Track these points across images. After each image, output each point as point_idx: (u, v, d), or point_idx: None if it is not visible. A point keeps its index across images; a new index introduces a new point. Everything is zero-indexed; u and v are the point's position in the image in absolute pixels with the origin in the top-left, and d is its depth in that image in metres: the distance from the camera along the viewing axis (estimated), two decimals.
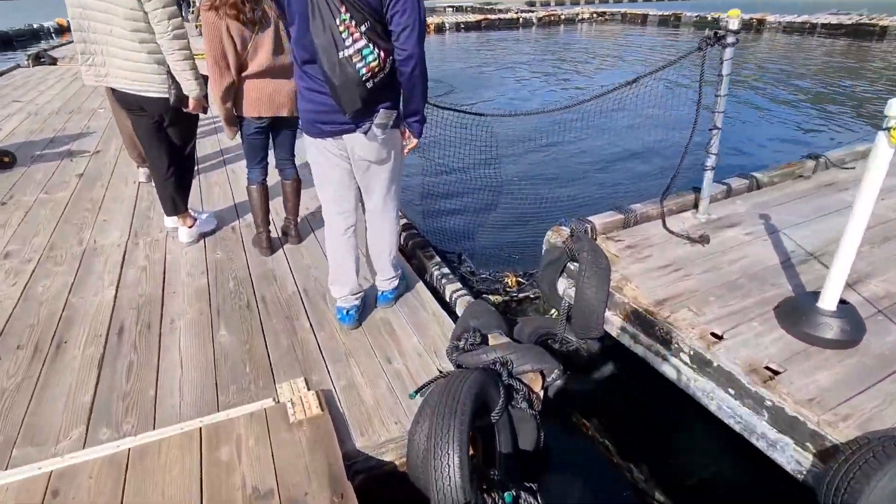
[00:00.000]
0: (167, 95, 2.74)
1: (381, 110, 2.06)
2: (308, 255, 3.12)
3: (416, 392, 2.02)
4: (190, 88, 2.71)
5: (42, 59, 10.63)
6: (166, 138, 2.97)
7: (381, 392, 2.09)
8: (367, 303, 2.63)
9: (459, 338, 2.25)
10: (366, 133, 2.10)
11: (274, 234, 3.25)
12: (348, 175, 2.32)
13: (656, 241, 2.80)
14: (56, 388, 2.08)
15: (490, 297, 3.22)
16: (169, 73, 2.69)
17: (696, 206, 3.12)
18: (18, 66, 10.24)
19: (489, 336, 2.30)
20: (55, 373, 2.15)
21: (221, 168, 4.52)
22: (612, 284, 2.44)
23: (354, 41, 1.83)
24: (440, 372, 2.20)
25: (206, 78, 2.76)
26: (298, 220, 3.25)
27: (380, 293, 2.61)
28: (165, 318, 2.51)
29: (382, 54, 1.88)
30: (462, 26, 21.47)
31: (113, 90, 2.79)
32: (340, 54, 1.83)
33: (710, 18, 23.14)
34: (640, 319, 2.28)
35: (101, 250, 3.12)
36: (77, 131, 5.59)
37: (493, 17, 23.04)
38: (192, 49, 2.68)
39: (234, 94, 2.68)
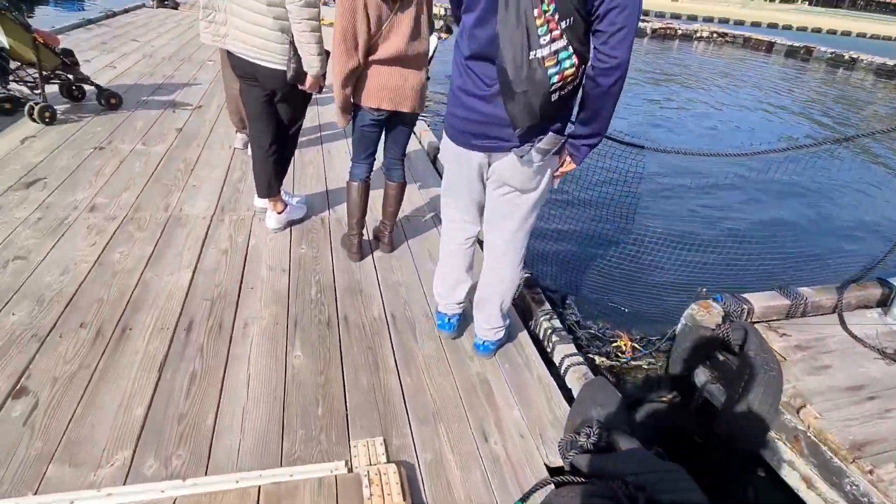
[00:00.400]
0: (285, 68, 2.43)
1: (550, 133, 1.65)
2: (399, 269, 2.76)
3: (522, 502, 1.59)
4: (312, 64, 2.38)
5: (165, 2, 10.97)
6: (274, 114, 2.67)
7: (474, 482, 1.67)
8: (462, 344, 2.24)
9: (578, 430, 1.79)
10: (522, 156, 1.70)
11: (365, 237, 2.91)
12: (480, 195, 1.96)
13: (835, 345, 2.21)
14: (111, 387, 1.81)
15: (596, 357, 2.73)
16: (291, 44, 2.37)
17: (882, 304, 2.48)
18: (144, 5, 10.59)
19: (613, 433, 1.83)
20: (113, 367, 1.90)
21: (318, 146, 4.25)
22: (782, 399, 1.89)
23: (553, 40, 1.44)
24: (548, 469, 1.76)
25: (327, 54, 2.44)
26: (395, 226, 2.89)
27: (480, 341, 2.20)
28: (238, 319, 2.22)
29: (577, 60, 1.48)
30: None
31: (229, 53, 2.52)
32: (532, 54, 1.44)
33: (846, 58, 20.93)
34: (822, 461, 1.73)
35: (185, 221, 2.90)
36: (184, 81, 5.54)
37: None
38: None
39: (355, 79, 2.33)
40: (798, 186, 4.44)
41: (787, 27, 32.64)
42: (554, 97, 1.54)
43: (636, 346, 2.77)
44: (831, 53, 21.23)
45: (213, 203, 3.13)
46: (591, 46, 1.52)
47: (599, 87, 1.51)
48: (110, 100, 4.33)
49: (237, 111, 3.79)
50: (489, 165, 1.84)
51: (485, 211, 2.02)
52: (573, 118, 1.75)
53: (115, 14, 8.85)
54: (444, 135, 1.94)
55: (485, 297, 2.13)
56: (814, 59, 21.50)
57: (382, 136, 2.59)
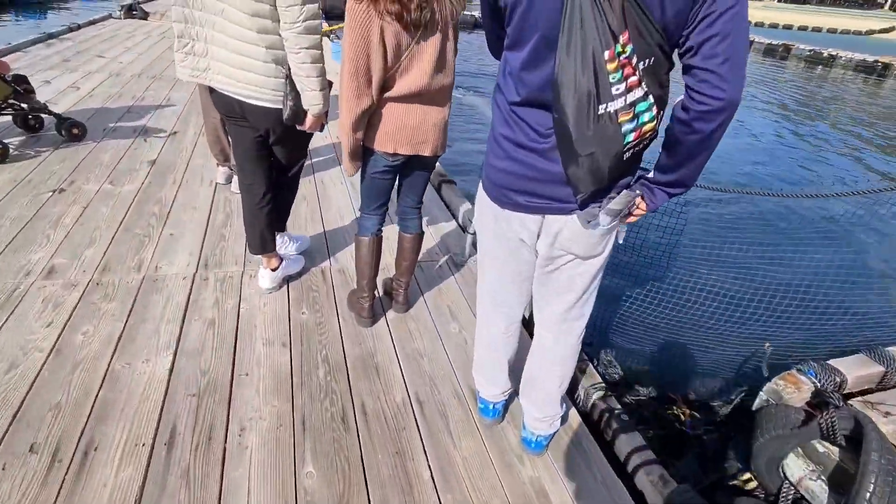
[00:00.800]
0: (279, 107, 2.02)
1: (623, 191, 1.29)
2: (418, 333, 2.36)
3: None
4: (313, 102, 1.97)
5: (134, 12, 10.37)
6: (268, 157, 2.26)
7: None
8: (506, 435, 1.87)
9: None
10: (588, 221, 1.35)
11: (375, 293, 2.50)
12: (530, 265, 1.57)
13: None
14: None
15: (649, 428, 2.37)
16: (288, 78, 1.95)
17: None
18: (111, 16, 10.00)
19: None
20: None
21: (310, 176, 3.82)
22: None
23: (629, 89, 1.10)
24: None
25: (330, 84, 2.04)
26: (410, 281, 2.48)
27: (532, 437, 1.82)
28: (233, 422, 1.79)
29: (657, 110, 1.15)
30: None
31: (211, 90, 2.09)
32: (602, 108, 1.10)
33: (825, 55, 21.13)
34: None
35: (162, 283, 2.45)
36: (156, 102, 5.05)
37: None
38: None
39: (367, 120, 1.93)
40: (863, 226, 3.94)
41: (760, 24, 33.01)
42: (627, 156, 1.18)
43: (695, 413, 2.42)
44: (810, 51, 21.45)
45: (194, 257, 2.68)
46: (684, 84, 1.16)
47: (695, 132, 1.13)
48: (72, 130, 3.83)
49: (218, 142, 3.35)
50: (539, 231, 1.46)
51: (534, 283, 1.65)
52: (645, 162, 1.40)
53: (78, 27, 8.27)
54: (479, 190, 1.57)
55: (536, 380, 1.76)
56: (792, 57, 21.71)
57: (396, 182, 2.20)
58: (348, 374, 2.08)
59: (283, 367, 2.06)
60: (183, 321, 2.23)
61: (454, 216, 3.51)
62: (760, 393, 2.04)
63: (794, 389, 1.92)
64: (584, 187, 1.24)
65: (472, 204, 3.49)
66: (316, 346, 2.20)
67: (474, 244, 3.01)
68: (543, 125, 1.27)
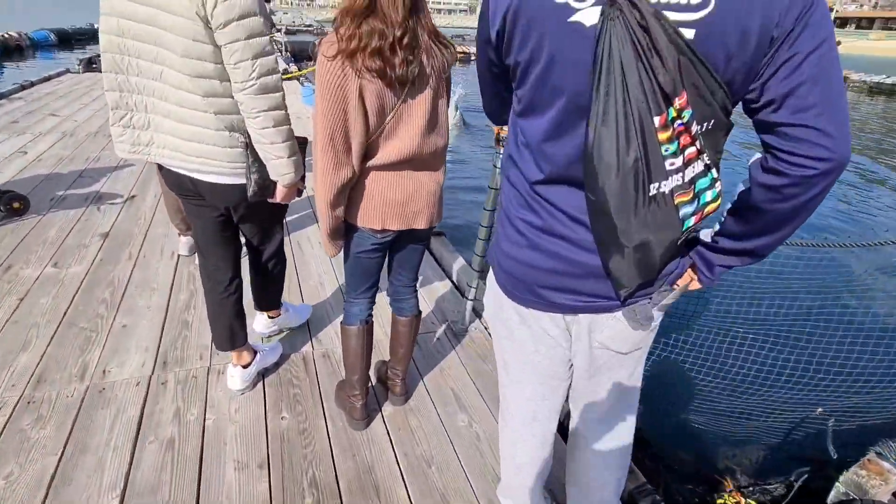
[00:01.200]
0: (242, 181, 1.69)
1: (676, 286, 1.05)
2: (423, 433, 1.99)
3: None
4: (282, 171, 1.64)
5: (94, 66, 10.04)
6: (234, 237, 1.92)
7: None
8: None
9: None
10: (636, 320, 1.07)
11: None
12: (564, 363, 1.27)
13: None
14: None
15: None
16: (249, 146, 1.63)
17: None
18: (68, 70, 9.65)
19: None
20: None
21: (284, 239, 3.45)
22: None
23: (687, 162, 0.85)
24: None
25: (301, 141, 1.73)
26: (408, 367, 2.13)
27: None
28: None
29: (719, 185, 0.91)
30: None
31: (159, 166, 1.75)
32: (653, 188, 0.85)
33: None
34: None
35: (110, 392, 2.04)
36: (112, 164, 4.66)
37: None
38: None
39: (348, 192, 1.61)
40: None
41: None
42: (682, 240, 0.93)
43: (750, 501, 2.08)
44: None
45: (150, 353, 2.28)
46: (765, 143, 0.88)
47: (787, 200, 0.86)
48: (12, 204, 3.41)
49: (178, 210, 2.99)
50: (573, 330, 1.16)
51: (571, 386, 1.34)
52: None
53: (31, 84, 7.87)
54: (491, 283, 1.27)
55: (588, 490, 1.44)
56: None
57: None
58: (342, 502, 1.69)
59: (261, 499, 1.67)
60: (135, 445, 1.82)
61: (447, 275, 3.19)
62: (837, 484, 1.72)
63: (879, 481, 1.61)
64: (630, 282, 0.97)
65: (466, 261, 3.17)
66: (300, 464, 1.81)
67: (475, 310, 2.68)
68: (577, 207, 0.98)
